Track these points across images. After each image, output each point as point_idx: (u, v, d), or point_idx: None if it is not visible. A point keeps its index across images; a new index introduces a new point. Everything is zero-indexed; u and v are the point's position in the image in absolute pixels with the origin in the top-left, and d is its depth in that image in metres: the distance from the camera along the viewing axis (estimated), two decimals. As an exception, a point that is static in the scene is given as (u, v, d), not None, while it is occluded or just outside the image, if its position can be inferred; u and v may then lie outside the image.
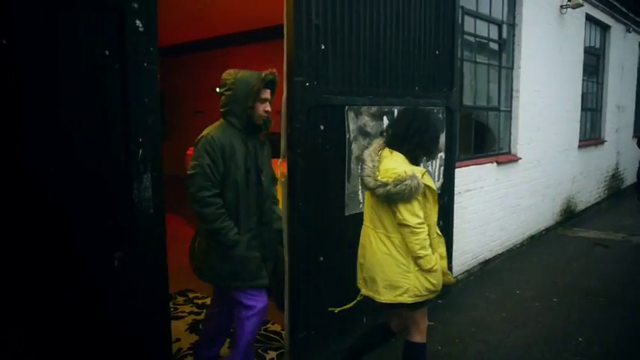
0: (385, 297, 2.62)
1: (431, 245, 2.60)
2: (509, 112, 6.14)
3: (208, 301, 4.42)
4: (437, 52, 4.26)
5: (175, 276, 4.93)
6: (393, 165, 2.55)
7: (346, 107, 3.37)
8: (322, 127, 3.24)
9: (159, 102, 2.35)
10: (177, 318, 4.04)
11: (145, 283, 2.34)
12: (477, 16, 5.36)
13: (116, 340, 2.25)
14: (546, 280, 5.12)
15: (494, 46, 5.86)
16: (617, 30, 9.72)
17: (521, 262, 5.74)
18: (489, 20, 5.63)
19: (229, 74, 2.73)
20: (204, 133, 2.69)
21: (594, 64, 9.28)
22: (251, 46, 9.94)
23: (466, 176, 4.98)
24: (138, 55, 2.25)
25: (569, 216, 7.97)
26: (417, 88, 4.04)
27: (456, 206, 4.71)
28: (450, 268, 4.67)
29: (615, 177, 10.32)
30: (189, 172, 2.60)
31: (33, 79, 1.93)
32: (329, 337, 3.47)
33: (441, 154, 4.32)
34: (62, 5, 2.00)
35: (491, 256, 5.62)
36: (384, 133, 2.82)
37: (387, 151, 2.66)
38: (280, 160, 3.18)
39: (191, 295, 4.55)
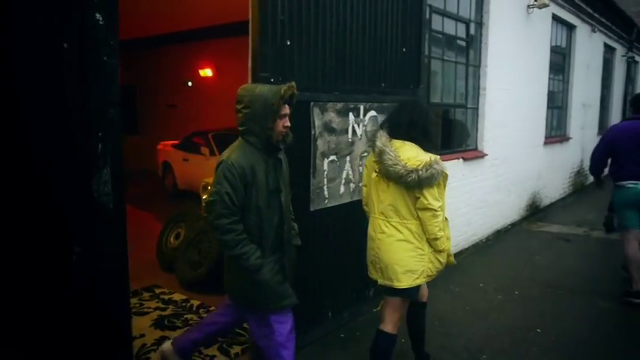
0: (404, 283, 2.75)
1: None
2: (476, 109, 6.26)
3: (175, 296, 4.41)
4: (404, 50, 4.32)
5: (142, 272, 4.95)
6: (414, 153, 2.69)
7: (312, 103, 3.40)
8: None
9: (119, 96, 2.33)
10: (142, 314, 4.02)
11: (105, 279, 2.33)
12: (444, 14, 5.44)
13: (74, 338, 2.23)
14: (509, 273, 5.26)
15: (461, 44, 5.95)
16: (582, 30, 9.97)
17: (487, 257, 5.88)
18: (457, 19, 5.72)
19: (246, 90, 2.56)
20: (223, 156, 2.52)
21: (560, 62, 9.51)
22: (222, 41, 9.89)
23: (433, 172, 5.06)
24: (97, 49, 2.23)
25: (535, 211, 8.17)
26: (383, 84, 4.10)
27: (422, 201, 4.78)
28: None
29: (580, 173, 10.62)
30: (208, 199, 2.48)
31: (-14, 72, 1.90)
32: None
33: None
34: (17, -3, 1.97)
35: (456, 251, 5.73)
36: (383, 126, 2.88)
37: (397, 142, 2.75)
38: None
39: (157, 291, 4.53)
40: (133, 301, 4.25)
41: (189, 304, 4.25)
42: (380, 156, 2.71)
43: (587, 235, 7.00)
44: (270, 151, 2.57)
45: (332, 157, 3.60)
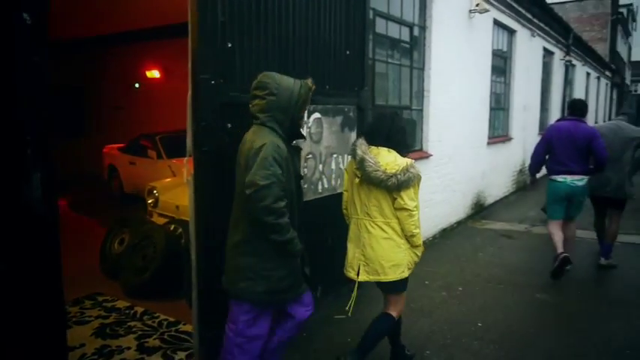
0: (392, 276, 3.01)
1: None
2: (421, 110, 6.42)
3: (118, 303, 4.30)
4: (347, 52, 4.37)
5: (85, 279, 4.80)
6: (392, 158, 2.95)
7: (254, 105, 3.39)
8: (230, 126, 3.24)
9: (48, 98, 2.26)
10: (83, 323, 3.90)
11: (36, 289, 2.24)
12: (388, 17, 5.55)
13: (6, 356, 2.14)
14: (454, 270, 5.42)
15: (406, 47, 6.09)
16: (523, 34, 10.39)
17: (432, 254, 6.02)
18: (401, 22, 5.85)
19: (269, 77, 2.59)
20: (264, 140, 2.44)
21: (502, 66, 9.88)
22: (169, 42, 9.66)
23: (378, 173, 5.15)
24: (26, 50, 2.15)
25: (479, 209, 8.45)
26: (327, 87, 4.14)
27: (368, 202, 4.86)
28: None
29: (522, 172, 11.05)
30: (262, 183, 2.33)
31: None
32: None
33: (352, 152, 4.45)
34: None
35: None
36: (362, 134, 3.17)
37: (374, 148, 3.01)
38: (186, 158, 3.16)
39: (100, 299, 4.40)
40: (74, 310, 4.12)
41: (132, 311, 4.15)
42: (361, 163, 2.94)
43: (528, 231, 7.30)
44: (290, 138, 2.65)
45: (276, 159, 3.60)
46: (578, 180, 4.96)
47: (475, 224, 7.72)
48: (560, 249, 4.97)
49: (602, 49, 25.85)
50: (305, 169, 3.90)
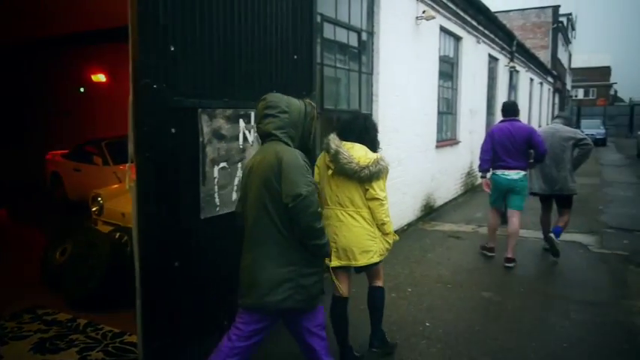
0: (361, 261, 3.27)
1: None
2: (370, 115, 6.49)
3: (60, 316, 4.14)
4: (295, 57, 4.38)
5: (25, 292, 4.59)
6: (364, 152, 3.24)
7: (199, 110, 3.34)
8: (174, 131, 3.18)
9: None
10: (20, 338, 3.74)
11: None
12: (336, 23, 5.61)
13: None
14: (403, 271, 5.51)
15: (354, 52, 6.16)
16: (468, 41, 10.72)
17: (384, 257, 6.10)
18: (349, 27, 5.92)
19: (277, 97, 2.72)
20: (288, 151, 2.55)
21: (449, 71, 10.15)
22: (116, 45, 9.42)
23: (328, 177, 5.18)
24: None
25: (429, 211, 8.63)
26: (274, 91, 4.09)
27: (318, 206, 4.88)
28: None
29: (470, 174, 11.37)
30: (305, 192, 2.42)
31: None
32: (187, 343, 3.42)
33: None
34: None
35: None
36: (335, 130, 3.41)
37: (347, 143, 3.27)
38: (128, 164, 3.08)
39: (40, 312, 4.23)
40: (10, 325, 3.95)
41: (75, 324, 4.00)
42: (335, 156, 3.19)
43: (475, 231, 7.51)
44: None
45: (223, 164, 3.56)
46: (514, 174, 5.64)
47: (425, 226, 7.89)
48: (491, 243, 6.10)
49: (544, 56, 27.02)
50: (253, 174, 3.88)
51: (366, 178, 3.16)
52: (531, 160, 5.74)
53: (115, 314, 4.15)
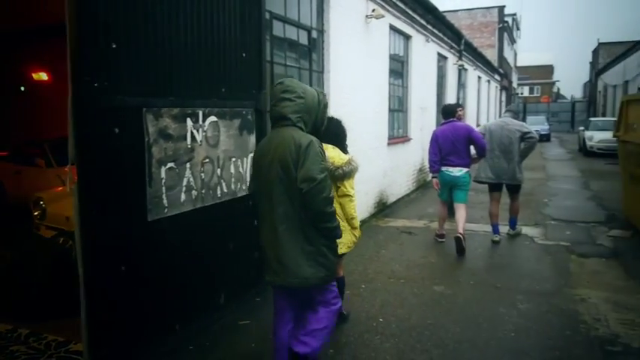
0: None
1: None
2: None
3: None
4: (244, 54, 4.33)
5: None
6: (337, 154, 3.55)
7: (144, 109, 3.25)
8: (117, 131, 3.08)
9: None
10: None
11: None
12: (285, 20, 5.57)
13: None
14: (357, 268, 5.54)
15: (304, 50, 6.15)
16: (418, 39, 10.90)
17: (338, 254, 6.13)
18: (298, 25, 5.90)
19: (295, 82, 2.80)
20: (309, 138, 2.64)
21: (400, 69, 10.30)
22: (58, 41, 9.05)
23: (281, 175, 5.14)
24: None
25: (382, 208, 8.73)
26: (223, 89, 4.06)
27: (271, 205, 4.84)
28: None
29: (421, 170, 11.59)
30: (319, 177, 2.56)
31: None
32: (136, 349, 3.32)
33: (252, 155, 4.39)
34: None
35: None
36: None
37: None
38: (69, 166, 2.96)
39: (-23, 323, 4.00)
40: (-56, 338, 3.71)
41: (16, 334, 3.81)
42: None
43: (427, 227, 7.65)
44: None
45: (170, 165, 3.48)
46: (457, 171, 6.21)
47: (378, 222, 7.97)
48: (441, 230, 6.72)
49: (491, 54, 27.87)
50: (202, 175, 3.80)
51: (340, 177, 3.45)
52: (475, 156, 6.39)
53: (59, 323, 3.97)
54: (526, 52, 57.07)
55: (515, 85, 43.27)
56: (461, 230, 6.06)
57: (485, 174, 6.53)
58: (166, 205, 3.47)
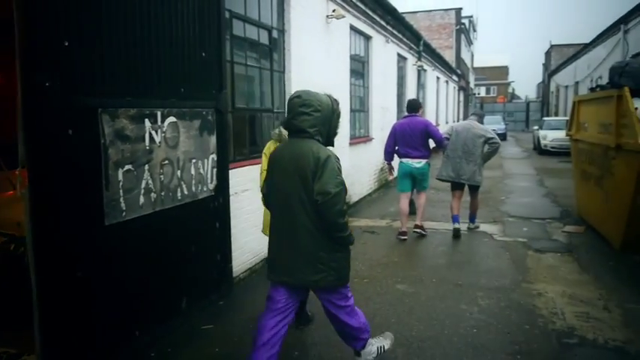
0: None
1: None
2: (283, 113, 6.46)
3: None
4: (203, 54, 4.24)
5: None
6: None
7: (99, 110, 3.13)
8: (71, 132, 2.96)
9: None
10: None
11: None
12: (245, 20, 5.50)
13: None
14: (321, 269, 5.53)
15: (265, 50, 6.10)
16: (378, 40, 11.00)
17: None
18: (259, 25, 5.84)
19: (311, 95, 2.92)
20: (327, 152, 2.79)
21: (361, 70, 10.36)
22: (6, 40, 8.70)
23: (242, 176, 5.09)
24: None
25: (345, 208, 8.74)
26: (182, 89, 3.97)
27: (233, 206, 4.78)
28: (230, 267, 4.73)
29: (383, 170, 11.67)
30: (334, 191, 2.72)
31: None
32: (91, 359, 3.21)
33: (213, 156, 4.32)
34: None
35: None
36: (283, 124, 3.52)
37: None
38: (19, 169, 2.82)
39: None
40: None
41: (-36, 347, 3.62)
42: None
43: (389, 226, 7.73)
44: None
45: (127, 167, 3.37)
46: (416, 162, 6.60)
47: (341, 222, 7.98)
48: (403, 228, 6.80)
49: (449, 55, 28.47)
50: (161, 177, 3.71)
51: None
52: (433, 147, 7.00)
53: (10, 334, 3.79)
54: (483, 54, 58.58)
55: (472, 85, 44.31)
56: (419, 221, 6.79)
57: (447, 172, 6.91)
58: (124, 208, 3.36)
